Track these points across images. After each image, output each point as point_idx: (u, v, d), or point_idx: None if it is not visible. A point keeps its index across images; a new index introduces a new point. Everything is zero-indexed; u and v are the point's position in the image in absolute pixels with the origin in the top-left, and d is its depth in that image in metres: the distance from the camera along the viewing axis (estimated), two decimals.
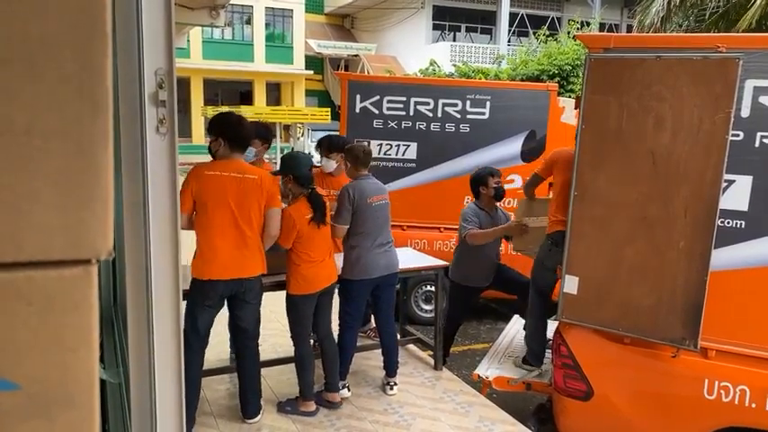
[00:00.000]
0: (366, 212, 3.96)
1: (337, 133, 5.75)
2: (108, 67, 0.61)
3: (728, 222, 3.12)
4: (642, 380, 3.38)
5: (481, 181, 4.73)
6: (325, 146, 4.58)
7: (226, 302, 3.58)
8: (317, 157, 5.21)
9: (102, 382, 1.40)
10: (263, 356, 4.16)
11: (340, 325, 4.12)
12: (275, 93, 29.04)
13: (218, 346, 4.40)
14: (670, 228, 3.10)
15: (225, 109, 18.35)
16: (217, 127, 3.48)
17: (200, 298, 3.38)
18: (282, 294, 4.45)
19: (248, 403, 3.73)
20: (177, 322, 1.07)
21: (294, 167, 3.73)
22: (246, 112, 17.43)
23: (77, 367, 0.65)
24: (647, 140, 3.11)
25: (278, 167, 4.00)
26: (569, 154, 3.74)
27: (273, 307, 5.47)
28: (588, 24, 18.42)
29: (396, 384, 4.28)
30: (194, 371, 3.48)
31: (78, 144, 0.60)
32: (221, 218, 3.31)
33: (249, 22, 27.41)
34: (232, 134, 3.42)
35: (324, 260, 3.79)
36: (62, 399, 0.64)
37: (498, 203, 4.86)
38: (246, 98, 27.68)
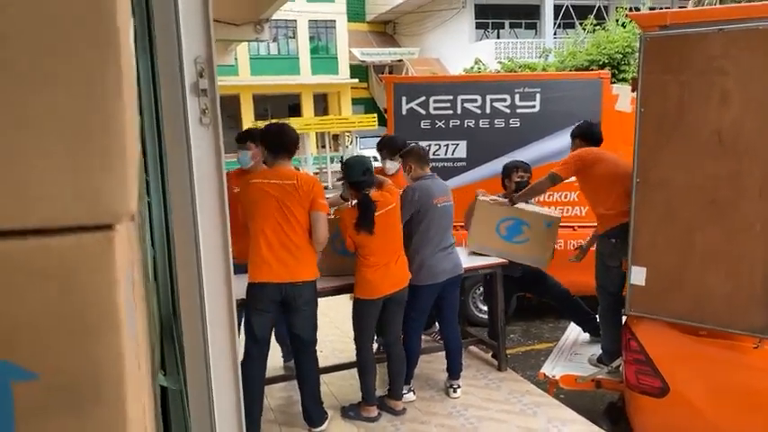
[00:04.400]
0: (431, 214, 3.89)
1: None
2: (118, 4, 0.54)
3: None
4: (721, 374, 3.18)
5: (506, 175, 4.81)
6: (387, 148, 4.52)
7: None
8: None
9: (165, 390, 1.39)
10: (324, 362, 4.15)
11: (404, 329, 4.05)
12: (322, 103, 29.38)
13: (274, 354, 4.42)
14: (743, 210, 2.92)
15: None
16: (260, 138, 3.69)
17: (253, 301, 3.44)
18: (341, 300, 4.43)
19: (311, 412, 3.69)
20: (232, 325, 1.04)
21: (347, 173, 3.75)
22: (295, 123, 17.67)
23: (102, 354, 0.57)
24: (712, 119, 2.93)
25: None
26: (592, 150, 4.08)
27: (331, 312, 5.48)
28: (638, 10, 17.83)
29: (459, 387, 4.19)
30: (255, 378, 3.49)
31: (88, 94, 0.53)
32: (265, 224, 3.37)
33: (294, 35, 27.84)
34: (271, 142, 3.54)
35: (388, 264, 3.70)
36: (88, 392, 0.57)
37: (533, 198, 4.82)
38: (295, 110, 28.11)
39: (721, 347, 3.13)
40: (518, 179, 4.70)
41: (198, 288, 0.93)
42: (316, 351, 3.71)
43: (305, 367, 3.67)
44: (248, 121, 25.36)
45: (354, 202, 3.77)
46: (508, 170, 4.80)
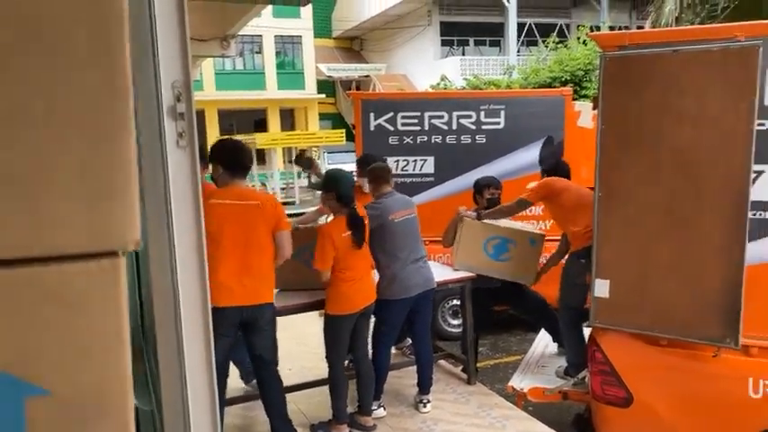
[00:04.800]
0: (391, 230, 3.91)
1: (353, 154, 5.77)
2: (126, 49, 0.57)
3: (760, 214, 3.03)
4: (683, 382, 3.27)
5: (477, 191, 4.84)
6: (367, 166, 4.57)
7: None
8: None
9: (136, 410, 1.37)
10: (293, 381, 4.12)
11: (374, 344, 4.05)
12: (289, 118, 29.29)
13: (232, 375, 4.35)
14: (700, 223, 3.03)
15: (241, 138, 18.54)
16: (213, 154, 3.44)
17: (213, 326, 3.29)
18: (307, 318, 4.38)
19: (280, 431, 3.62)
20: (209, 346, 1.05)
21: (337, 186, 3.69)
22: (261, 138, 17.56)
23: (109, 372, 0.61)
24: (670, 136, 3.05)
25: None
26: (561, 179, 4.37)
27: (297, 330, 5.44)
28: (598, 29, 18.37)
29: (429, 401, 4.20)
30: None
31: (97, 131, 0.56)
32: (224, 246, 3.22)
33: (260, 51, 27.77)
34: (228, 160, 3.37)
35: (363, 278, 3.71)
36: (95, 407, 0.60)
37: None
38: (261, 125, 27.94)
39: (682, 357, 3.22)
40: (489, 196, 4.77)
41: (174, 315, 0.94)
42: (277, 369, 3.64)
43: (269, 387, 3.59)
44: (213, 136, 25.11)
45: (332, 216, 3.76)
46: (480, 187, 4.83)
